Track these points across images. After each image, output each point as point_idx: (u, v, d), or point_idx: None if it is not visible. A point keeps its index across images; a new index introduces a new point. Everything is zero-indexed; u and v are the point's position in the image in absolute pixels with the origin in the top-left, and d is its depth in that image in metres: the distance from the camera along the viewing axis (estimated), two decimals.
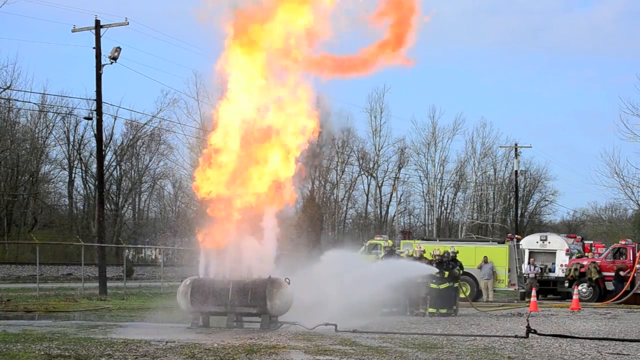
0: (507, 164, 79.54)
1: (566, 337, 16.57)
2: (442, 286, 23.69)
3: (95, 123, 36.18)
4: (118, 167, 64.02)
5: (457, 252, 25.81)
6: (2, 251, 50.71)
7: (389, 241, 32.36)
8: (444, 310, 23.48)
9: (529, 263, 37.27)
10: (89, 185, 63.03)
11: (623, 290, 32.57)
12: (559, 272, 37.39)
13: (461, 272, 25.49)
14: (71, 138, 61.95)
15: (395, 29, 18.22)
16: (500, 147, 73.86)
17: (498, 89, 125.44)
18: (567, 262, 36.80)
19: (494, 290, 33.66)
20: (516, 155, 65.65)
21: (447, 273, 23.91)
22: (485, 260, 33.11)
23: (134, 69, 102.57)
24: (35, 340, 14.16)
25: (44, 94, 59.01)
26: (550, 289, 37.78)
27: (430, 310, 23.45)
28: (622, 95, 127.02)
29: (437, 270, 23.77)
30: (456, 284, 24.58)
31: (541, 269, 37.59)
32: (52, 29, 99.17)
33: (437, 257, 24.27)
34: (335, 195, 72.22)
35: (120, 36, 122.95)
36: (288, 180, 18.50)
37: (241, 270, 17.92)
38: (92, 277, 40.38)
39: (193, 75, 60.02)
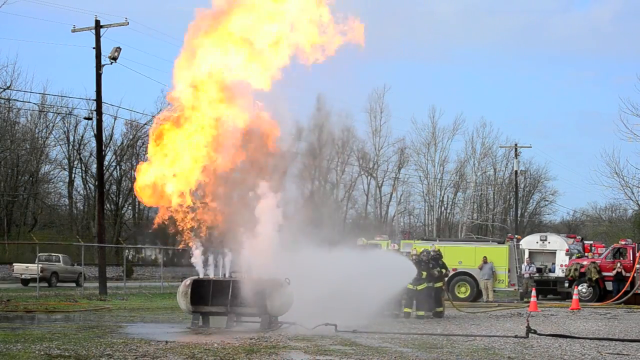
0: (507, 164, 79.54)
1: (566, 337, 16.58)
2: (420, 287, 22.35)
3: (95, 123, 36.22)
4: (118, 167, 64.00)
5: (438, 250, 24.76)
6: (2, 251, 50.68)
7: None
8: (421, 313, 22.23)
9: (526, 263, 37.25)
10: (89, 185, 63.02)
11: (623, 290, 32.57)
12: (559, 272, 37.34)
13: (445, 272, 24.16)
14: (71, 138, 62.01)
15: None
16: (500, 147, 73.82)
17: (498, 89, 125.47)
18: (567, 262, 36.76)
19: (494, 291, 33.64)
20: (516, 155, 65.60)
21: (424, 274, 22.60)
22: (485, 261, 33.09)
23: (134, 69, 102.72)
24: (35, 340, 14.15)
25: (44, 94, 59.09)
26: (550, 289, 37.75)
27: (406, 310, 22.39)
28: (622, 95, 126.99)
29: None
30: (438, 284, 23.24)
31: (540, 269, 37.56)
32: (52, 29, 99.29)
33: (414, 257, 23.00)
34: (335, 195, 72.11)
35: (120, 36, 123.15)
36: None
37: (241, 270, 17.90)
38: (92, 277, 40.48)
39: None
